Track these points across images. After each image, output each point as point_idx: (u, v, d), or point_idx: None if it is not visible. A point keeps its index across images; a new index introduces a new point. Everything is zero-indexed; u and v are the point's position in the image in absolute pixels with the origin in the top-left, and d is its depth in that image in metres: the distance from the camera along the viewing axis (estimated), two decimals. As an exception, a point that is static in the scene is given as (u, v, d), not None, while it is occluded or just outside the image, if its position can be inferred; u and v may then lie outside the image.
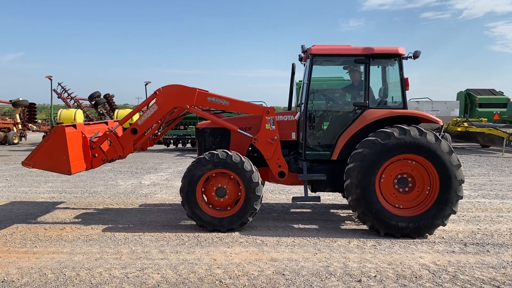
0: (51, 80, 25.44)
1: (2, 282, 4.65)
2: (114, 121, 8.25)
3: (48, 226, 6.95)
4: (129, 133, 7.05)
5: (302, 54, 7.40)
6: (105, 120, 8.46)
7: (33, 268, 5.05)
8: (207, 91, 7.19)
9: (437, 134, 6.33)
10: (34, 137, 31.94)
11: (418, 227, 6.20)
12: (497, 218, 7.49)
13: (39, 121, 36.87)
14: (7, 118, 29.22)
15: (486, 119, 22.53)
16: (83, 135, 6.85)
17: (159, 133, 7.95)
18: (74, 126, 6.79)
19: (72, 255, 5.53)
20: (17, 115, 28.13)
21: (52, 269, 5.01)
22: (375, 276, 4.83)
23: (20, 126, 27.98)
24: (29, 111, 28.82)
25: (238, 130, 6.95)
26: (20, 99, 27.52)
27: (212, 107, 7.27)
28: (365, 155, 6.21)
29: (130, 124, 7.31)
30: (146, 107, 7.27)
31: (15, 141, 26.29)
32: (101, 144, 7.01)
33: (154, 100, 7.02)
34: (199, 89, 7.05)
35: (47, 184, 11.06)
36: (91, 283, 4.62)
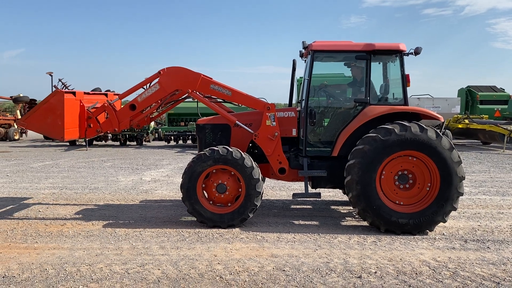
0: (51, 76, 25.44)
1: (3, 277, 4.66)
2: (115, 94, 8.24)
3: (48, 222, 6.96)
4: (127, 109, 7.06)
5: (303, 50, 7.38)
6: (105, 92, 8.45)
7: (34, 264, 5.06)
8: (211, 78, 7.19)
9: (438, 130, 6.32)
10: (35, 133, 31.94)
11: (418, 223, 6.20)
12: (497, 215, 7.49)
13: (40, 117, 36.79)
14: (8, 114, 29.25)
15: (487, 116, 22.49)
16: (81, 104, 6.85)
17: (156, 113, 7.92)
18: (74, 93, 6.79)
19: (72, 250, 5.54)
20: (18, 111, 28.11)
21: (53, 265, 5.02)
22: (375, 272, 4.84)
23: (21, 122, 27.95)
24: (30, 107, 28.74)
25: (237, 122, 6.95)
26: (21, 95, 27.52)
27: (214, 95, 7.27)
28: (366, 152, 6.21)
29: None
30: (147, 85, 7.22)
31: (16, 137, 26.30)
32: (98, 116, 7.01)
33: (157, 79, 7.01)
34: (203, 75, 7.04)
35: (47, 180, 11.07)
36: (92, 279, 4.63)
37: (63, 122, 6.43)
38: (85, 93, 7.28)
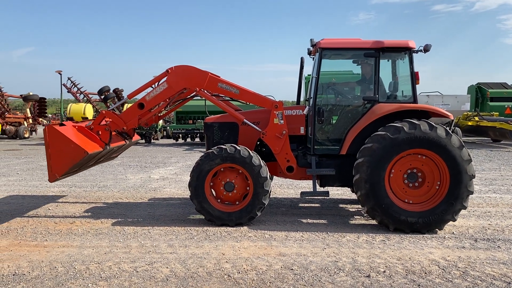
0: (61, 74, 25.67)
1: (14, 275, 4.70)
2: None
3: (58, 220, 7.01)
4: (136, 108, 7.10)
5: (311, 48, 7.35)
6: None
7: (43, 262, 5.09)
8: (219, 77, 7.19)
9: (448, 128, 6.26)
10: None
11: (427, 222, 6.15)
12: (508, 214, 7.41)
13: (49, 115, 37.21)
14: (18, 112, 29.53)
15: (497, 113, 22.28)
16: (76, 126, 6.92)
17: (164, 112, 7.94)
18: (61, 124, 6.86)
19: (82, 248, 5.57)
20: (28, 110, 28.41)
21: (62, 263, 5.05)
22: (384, 272, 4.80)
23: (30, 120, 28.28)
24: (40, 106, 29.09)
25: (244, 120, 6.95)
26: (31, 93, 27.79)
27: (222, 94, 7.27)
28: (375, 150, 6.17)
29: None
30: (156, 84, 7.21)
31: (26, 135, 26.59)
32: (99, 123, 7.06)
33: (165, 78, 7.03)
34: (211, 73, 7.05)
35: (57, 178, 11.14)
36: (101, 277, 4.66)
37: (73, 141, 6.42)
38: (73, 122, 7.36)
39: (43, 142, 6.79)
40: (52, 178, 6.61)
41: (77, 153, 6.40)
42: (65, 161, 6.47)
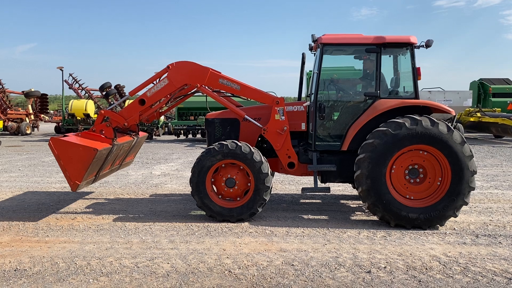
0: (62, 71, 25.64)
1: (15, 270, 4.71)
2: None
3: (59, 215, 7.03)
4: (137, 104, 7.11)
5: (313, 44, 7.32)
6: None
7: (45, 257, 5.11)
8: (220, 73, 7.18)
9: (449, 124, 6.24)
10: (46, 127, 32.28)
11: (429, 218, 6.15)
12: (509, 210, 7.39)
13: (51, 111, 37.28)
14: (20, 109, 29.61)
15: (499, 109, 22.22)
16: (79, 134, 6.97)
17: (166, 108, 7.94)
18: (64, 135, 6.89)
19: (83, 244, 5.59)
20: (30, 106, 28.48)
21: (64, 258, 5.06)
22: (385, 267, 4.80)
23: (32, 116, 28.36)
24: (41, 102, 29.13)
25: (246, 116, 6.94)
26: (32, 90, 27.82)
27: (223, 90, 7.26)
28: (376, 146, 6.16)
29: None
30: (157, 80, 7.21)
31: (28, 132, 26.65)
32: (100, 123, 7.08)
33: (166, 74, 7.02)
34: (212, 69, 7.04)
35: (59, 174, 11.17)
36: (102, 272, 4.67)
37: (80, 145, 6.45)
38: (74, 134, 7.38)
39: (45, 138, 6.79)
40: (74, 187, 6.53)
41: (88, 154, 6.40)
42: (79, 166, 6.45)
